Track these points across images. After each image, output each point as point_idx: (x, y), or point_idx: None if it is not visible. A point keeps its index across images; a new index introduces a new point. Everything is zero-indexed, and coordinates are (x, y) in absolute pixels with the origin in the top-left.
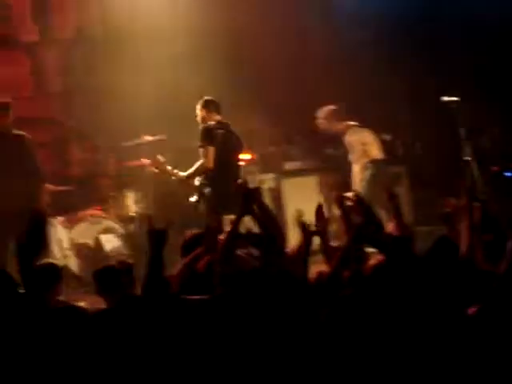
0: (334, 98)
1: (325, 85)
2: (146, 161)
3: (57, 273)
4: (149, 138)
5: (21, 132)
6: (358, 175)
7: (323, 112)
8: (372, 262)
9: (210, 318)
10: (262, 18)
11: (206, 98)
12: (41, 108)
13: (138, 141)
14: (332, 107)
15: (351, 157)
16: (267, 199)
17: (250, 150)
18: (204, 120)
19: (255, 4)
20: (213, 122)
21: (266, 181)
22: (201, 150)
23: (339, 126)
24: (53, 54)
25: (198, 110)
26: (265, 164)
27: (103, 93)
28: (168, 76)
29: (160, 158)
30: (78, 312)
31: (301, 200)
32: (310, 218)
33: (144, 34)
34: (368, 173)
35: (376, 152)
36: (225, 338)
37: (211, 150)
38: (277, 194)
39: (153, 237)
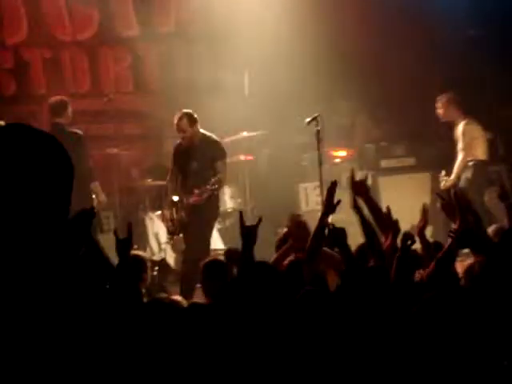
0: (433, 97)
1: (428, 84)
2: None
3: (142, 263)
4: (247, 134)
5: (78, 130)
6: (461, 163)
7: (443, 98)
8: (468, 263)
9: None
10: (364, 15)
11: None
12: (140, 102)
13: (236, 137)
14: (451, 94)
15: (459, 146)
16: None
17: (346, 146)
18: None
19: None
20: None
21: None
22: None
23: (456, 113)
24: (153, 49)
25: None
26: (362, 161)
27: (202, 88)
28: (267, 73)
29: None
30: (173, 306)
31: (397, 198)
32: (401, 215)
33: (244, 31)
34: (466, 175)
35: (481, 151)
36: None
37: None
38: (375, 193)
39: (244, 233)
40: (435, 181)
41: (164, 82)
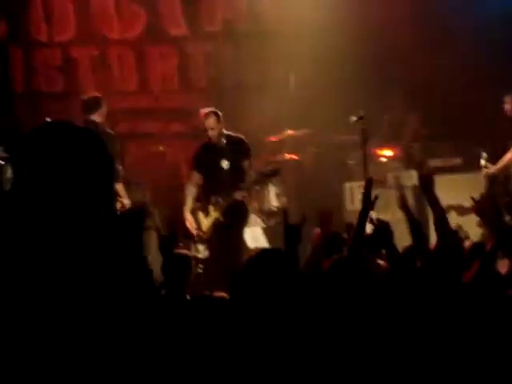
0: (482, 97)
1: (473, 84)
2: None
3: (188, 262)
4: (292, 132)
5: (111, 130)
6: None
7: (510, 97)
8: None
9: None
10: (402, 16)
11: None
12: (186, 101)
13: (282, 135)
14: None
15: None
16: (410, 197)
17: (393, 146)
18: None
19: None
20: None
21: (410, 178)
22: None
23: None
24: (200, 48)
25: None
26: (409, 160)
27: (248, 87)
28: (314, 72)
29: None
30: (218, 301)
31: (442, 199)
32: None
33: (291, 29)
34: None
35: None
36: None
37: None
38: (420, 192)
39: (288, 232)
40: (481, 182)
41: (210, 81)
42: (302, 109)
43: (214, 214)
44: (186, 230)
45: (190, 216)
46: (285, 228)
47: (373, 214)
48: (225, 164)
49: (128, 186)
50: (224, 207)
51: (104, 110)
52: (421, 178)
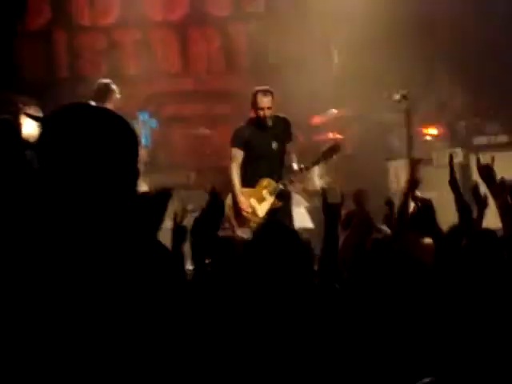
0: None
1: None
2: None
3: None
4: (336, 112)
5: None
6: None
7: None
8: None
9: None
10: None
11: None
12: (230, 82)
13: (325, 115)
14: None
15: None
16: (457, 174)
17: (438, 124)
18: None
19: None
20: None
21: (455, 155)
22: None
23: None
24: (243, 29)
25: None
26: (454, 138)
27: (291, 67)
28: (358, 51)
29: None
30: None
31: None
32: None
33: (334, 10)
34: None
35: None
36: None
37: None
38: (466, 170)
39: (327, 212)
40: None
41: (254, 62)
42: (345, 87)
43: (269, 198)
44: (239, 212)
45: (243, 198)
46: (324, 208)
47: (417, 193)
48: (274, 145)
49: (172, 168)
50: (279, 191)
51: (115, 96)
52: (481, 169)
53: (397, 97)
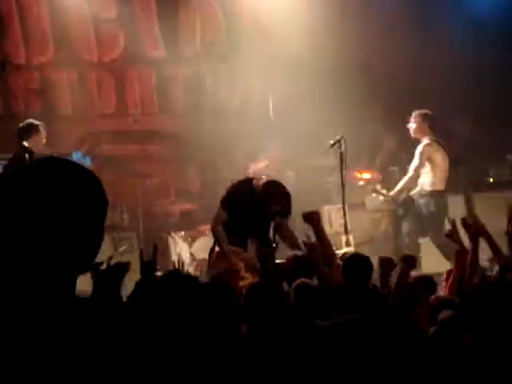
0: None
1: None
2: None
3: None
4: (269, 160)
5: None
6: None
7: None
8: None
9: None
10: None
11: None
12: (165, 123)
13: (260, 162)
14: None
15: None
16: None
17: (371, 169)
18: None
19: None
20: None
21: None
22: None
23: None
24: (179, 70)
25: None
26: (386, 183)
27: (228, 110)
28: (292, 96)
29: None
30: None
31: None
32: None
33: (268, 50)
34: None
35: None
36: None
37: None
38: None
39: (261, 258)
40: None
41: (190, 104)
42: (281, 133)
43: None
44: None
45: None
46: (258, 254)
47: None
48: None
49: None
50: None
51: (38, 137)
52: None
53: (331, 141)
